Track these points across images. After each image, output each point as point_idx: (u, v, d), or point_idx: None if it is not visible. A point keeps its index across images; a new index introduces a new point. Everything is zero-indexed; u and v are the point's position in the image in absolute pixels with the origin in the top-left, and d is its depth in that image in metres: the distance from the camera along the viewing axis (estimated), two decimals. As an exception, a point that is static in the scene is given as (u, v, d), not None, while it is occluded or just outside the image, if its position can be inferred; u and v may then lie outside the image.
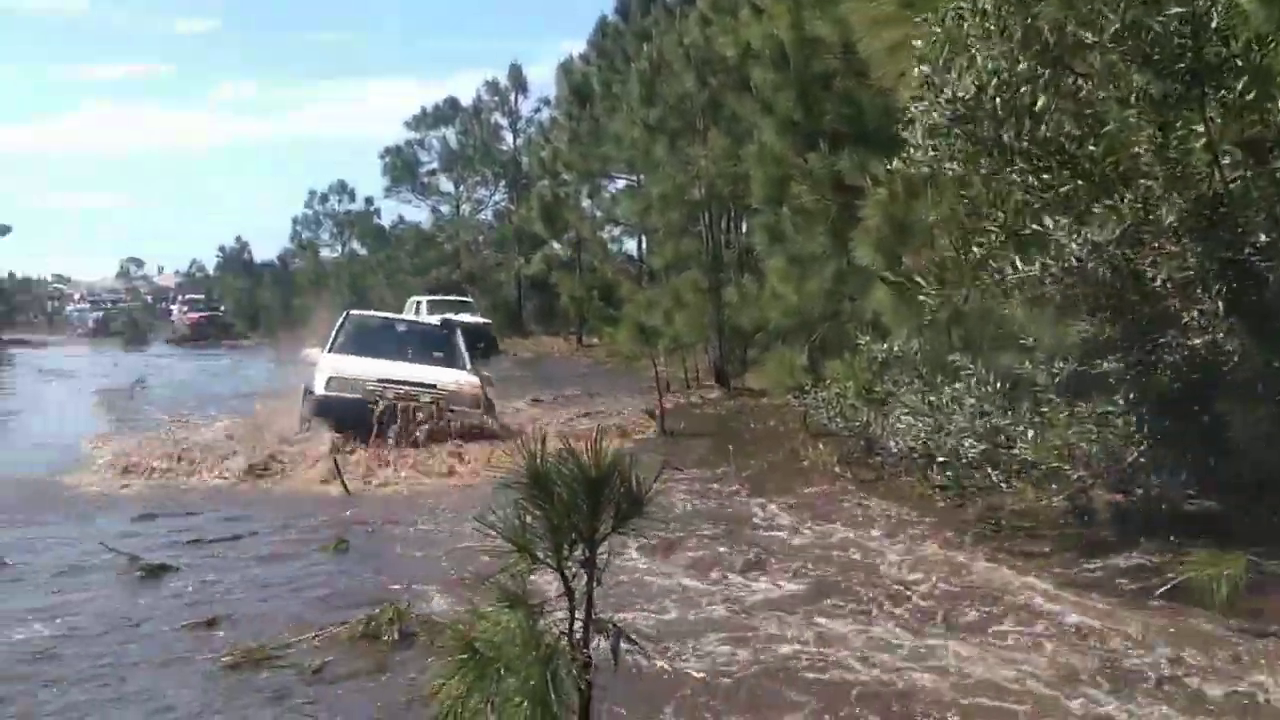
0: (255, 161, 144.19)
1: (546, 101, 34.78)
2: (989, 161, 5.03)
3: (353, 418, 10.27)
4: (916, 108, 5.40)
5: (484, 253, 37.30)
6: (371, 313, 15.32)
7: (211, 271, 66.91)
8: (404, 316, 17.34)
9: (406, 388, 10.85)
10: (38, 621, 5.07)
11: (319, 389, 10.74)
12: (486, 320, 26.42)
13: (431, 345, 12.60)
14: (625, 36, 23.35)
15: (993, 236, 5.19)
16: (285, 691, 4.22)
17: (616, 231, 27.09)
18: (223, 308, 46.68)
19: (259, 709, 4.08)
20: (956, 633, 4.89)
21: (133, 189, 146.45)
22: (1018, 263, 5.04)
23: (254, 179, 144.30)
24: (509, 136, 38.43)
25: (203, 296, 51.79)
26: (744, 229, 17.39)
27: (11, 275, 59.33)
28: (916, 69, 5.32)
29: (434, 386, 11.02)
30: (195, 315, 43.29)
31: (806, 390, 8.84)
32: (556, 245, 28.05)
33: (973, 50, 4.91)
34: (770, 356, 12.73)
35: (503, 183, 38.66)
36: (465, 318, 22.50)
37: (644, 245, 25.07)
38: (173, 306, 54.94)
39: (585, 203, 25.84)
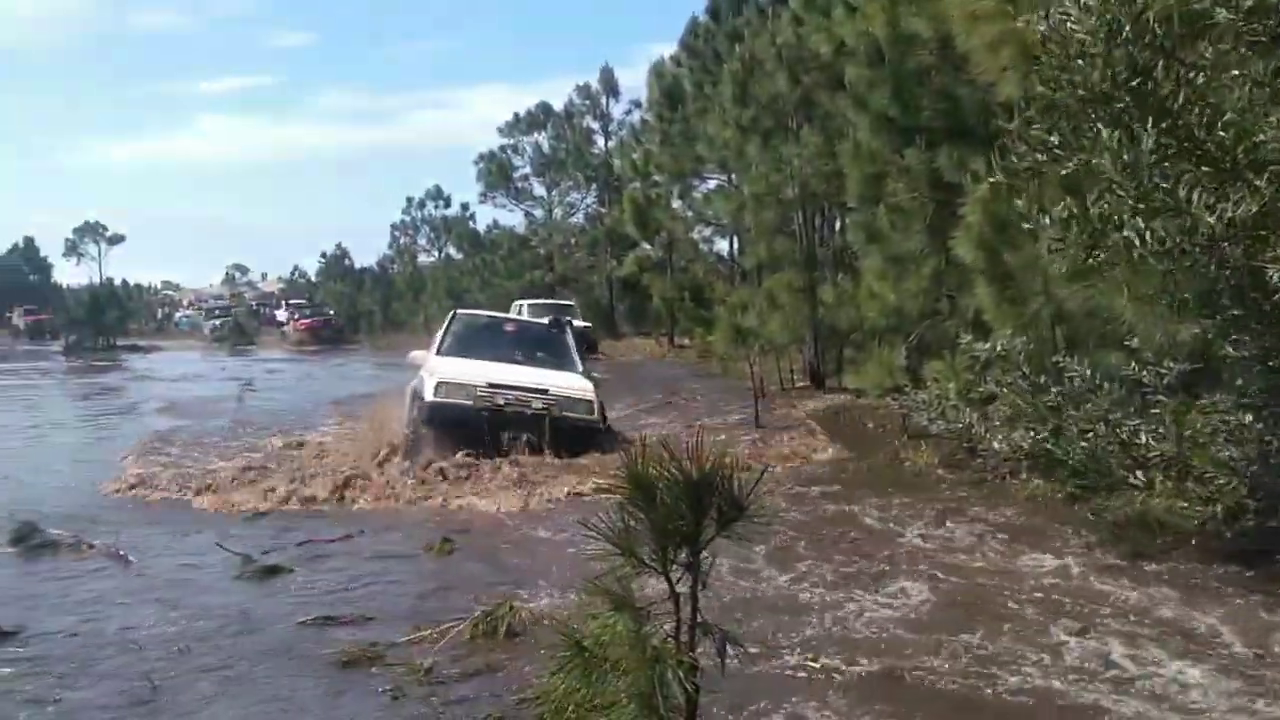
0: (355, 170, 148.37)
1: (637, 104, 35.04)
2: (1122, 150, 4.90)
3: (464, 424, 9.77)
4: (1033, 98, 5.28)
5: (576, 255, 37.64)
6: (479, 312, 14.93)
7: (313, 277, 68.93)
8: (512, 316, 16.74)
9: (518, 393, 10.24)
10: (163, 619, 5.29)
11: (428, 394, 10.10)
12: (587, 323, 26.50)
13: (542, 347, 11.91)
14: (716, 37, 23.30)
15: (1122, 199, 5.02)
16: (398, 688, 4.33)
17: (708, 232, 27.14)
18: (332, 311, 46.54)
19: (374, 704, 4.21)
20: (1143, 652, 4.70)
21: (238, 198, 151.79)
22: (1156, 226, 4.87)
23: (354, 187, 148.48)
24: (600, 140, 38.79)
25: (305, 300, 53.08)
26: (838, 227, 17.25)
27: (124, 283, 61.93)
28: (1039, 58, 5.19)
29: (546, 392, 10.36)
30: (307, 320, 43.19)
31: (906, 391, 8.72)
32: (648, 247, 28.15)
33: (1100, 41, 4.80)
34: (867, 357, 12.59)
35: (594, 186, 38.99)
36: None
37: (736, 245, 25.03)
38: (277, 312, 56.58)
39: (676, 204, 25.92)
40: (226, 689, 4.37)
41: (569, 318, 15.50)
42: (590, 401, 10.50)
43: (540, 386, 10.42)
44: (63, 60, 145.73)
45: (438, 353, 11.17)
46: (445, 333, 11.69)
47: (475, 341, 11.54)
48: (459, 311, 12.72)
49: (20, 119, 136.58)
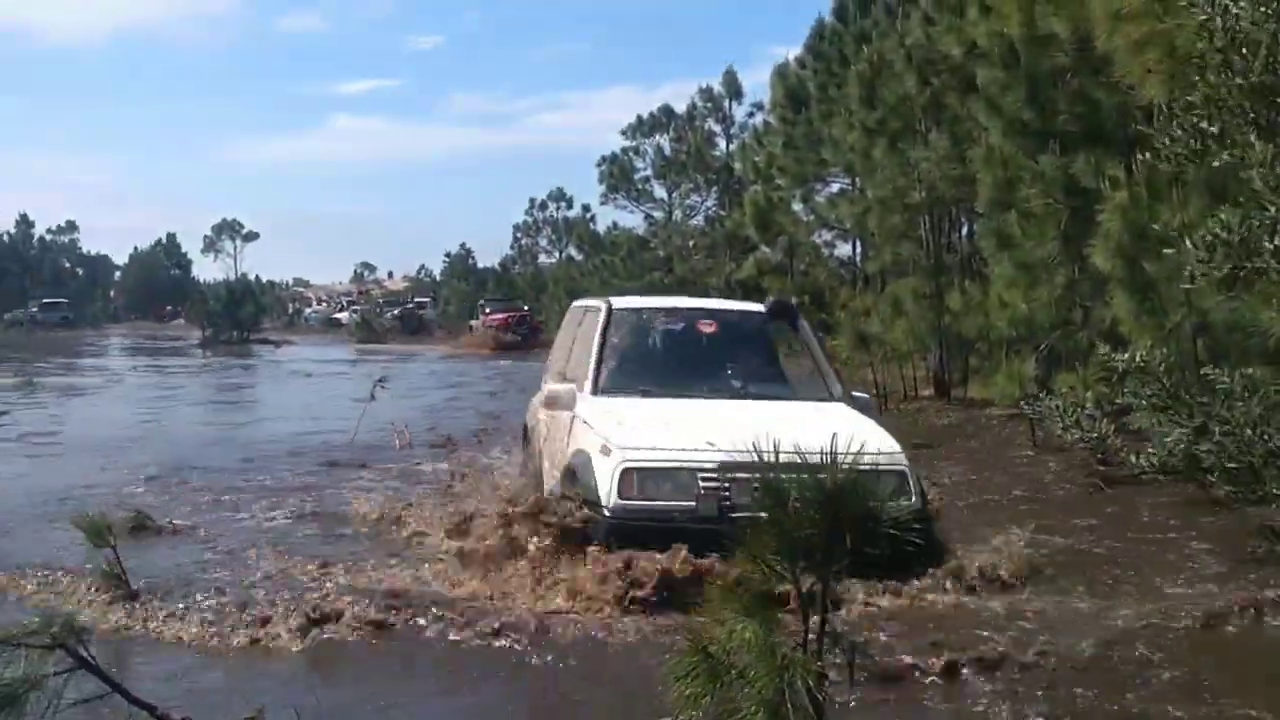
0: (480, 171, 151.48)
1: (760, 106, 34.86)
2: (1272, 146, 4.71)
3: (681, 539, 5.19)
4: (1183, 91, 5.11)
5: (695, 257, 37.65)
6: (645, 302, 8.23)
7: (438, 276, 70.64)
8: (692, 303, 9.11)
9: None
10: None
11: (607, 495, 5.56)
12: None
13: (759, 353, 7.45)
14: (842, 38, 23.00)
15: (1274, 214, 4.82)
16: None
17: (829, 236, 26.82)
18: (526, 307, 41.32)
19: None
20: None
21: (367, 197, 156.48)
22: None
23: (478, 188, 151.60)
24: (722, 142, 38.76)
25: (499, 296, 47.76)
26: (966, 233, 16.87)
27: (258, 279, 64.55)
28: (1205, 45, 5.00)
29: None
30: (501, 315, 38.82)
31: (1038, 398, 8.49)
32: (768, 250, 27.95)
33: (1270, 28, 4.63)
34: (995, 366, 12.31)
35: (715, 188, 38.94)
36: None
37: (859, 250, 24.70)
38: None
39: (798, 207, 25.68)
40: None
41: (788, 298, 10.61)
42: (904, 472, 5.71)
43: (810, 446, 3.37)
44: (208, 61, 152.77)
45: (596, 388, 6.51)
46: (601, 347, 6.74)
47: (652, 359, 7.05)
48: (616, 306, 7.16)
49: (164, 118, 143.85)
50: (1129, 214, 8.56)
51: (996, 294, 11.81)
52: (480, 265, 62.95)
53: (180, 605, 5.28)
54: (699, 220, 40.19)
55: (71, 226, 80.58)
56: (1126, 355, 6.85)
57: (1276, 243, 4.84)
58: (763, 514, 3.78)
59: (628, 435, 5.74)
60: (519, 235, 57.90)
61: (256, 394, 21.93)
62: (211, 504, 8.28)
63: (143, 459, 10.50)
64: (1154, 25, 6.72)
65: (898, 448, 5.95)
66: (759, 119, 35.01)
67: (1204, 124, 5.05)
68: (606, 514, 5.48)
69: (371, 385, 13.12)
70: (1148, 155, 6.73)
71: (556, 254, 54.78)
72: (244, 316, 44.70)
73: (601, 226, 48.05)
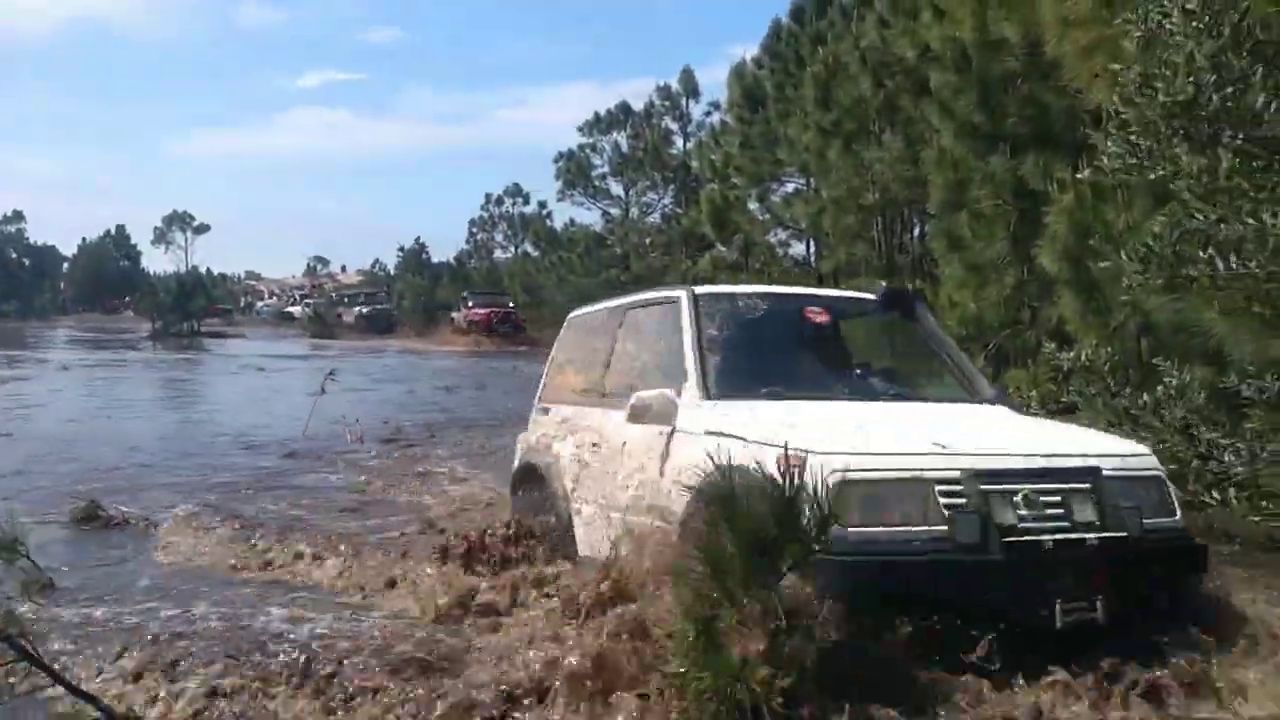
0: (436, 165, 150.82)
1: (717, 105, 35.05)
2: (1201, 159, 4.84)
3: (949, 599, 3.52)
4: (1120, 105, 5.23)
5: (651, 255, 37.75)
6: (729, 288, 6.27)
7: (392, 270, 70.08)
8: (785, 290, 7.15)
9: (1049, 490, 3.81)
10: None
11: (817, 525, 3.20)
12: None
13: (879, 348, 6.25)
14: (799, 40, 23.21)
15: (1204, 221, 4.94)
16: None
17: (785, 235, 27.04)
18: (511, 303, 39.56)
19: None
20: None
21: (321, 191, 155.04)
22: (1231, 259, 4.81)
23: (434, 183, 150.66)
24: (679, 140, 38.90)
25: (484, 290, 44.33)
26: (918, 234, 17.11)
27: (209, 271, 63.78)
28: (1128, 67, 5.13)
29: (1094, 477, 3.89)
30: (485, 310, 37.13)
31: (985, 400, 8.62)
32: (724, 248, 28.13)
33: (1188, 48, 4.74)
34: (944, 364, 12.48)
35: (672, 186, 39.07)
36: None
37: (813, 249, 24.92)
38: (345, 315, 53.43)
39: (754, 206, 25.85)
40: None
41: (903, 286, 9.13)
42: (1159, 477, 4.23)
43: (1080, 459, 4.00)
44: (162, 52, 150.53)
45: (709, 392, 4.76)
46: (697, 343, 5.01)
47: (763, 355, 5.38)
48: (702, 293, 5.43)
49: (115, 109, 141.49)
50: (1075, 216, 8.72)
51: (947, 294, 11.98)
52: (435, 260, 62.67)
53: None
54: (656, 218, 40.32)
55: (18, 216, 79.28)
56: (1072, 354, 7.01)
57: (1209, 253, 4.98)
58: (1047, 535, 3.57)
59: (825, 438, 3.86)
60: (474, 230, 57.74)
61: (207, 389, 21.58)
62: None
63: (83, 455, 10.34)
64: (1101, 31, 6.87)
65: (1140, 446, 4.49)
66: (716, 118, 35.21)
67: (1139, 141, 5.17)
68: (853, 557, 3.53)
69: (322, 379, 13.07)
70: (1094, 163, 6.89)
71: (512, 249, 54.66)
72: (195, 309, 44.14)
73: (558, 223, 48.08)
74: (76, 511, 7.12)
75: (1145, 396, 6.08)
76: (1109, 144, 5.43)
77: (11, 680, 3.82)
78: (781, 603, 3.09)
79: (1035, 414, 7.47)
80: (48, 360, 26.43)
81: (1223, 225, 4.92)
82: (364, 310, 46.83)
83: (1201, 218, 4.84)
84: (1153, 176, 5.22)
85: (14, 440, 11.24)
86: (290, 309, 57.42)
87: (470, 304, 39.16)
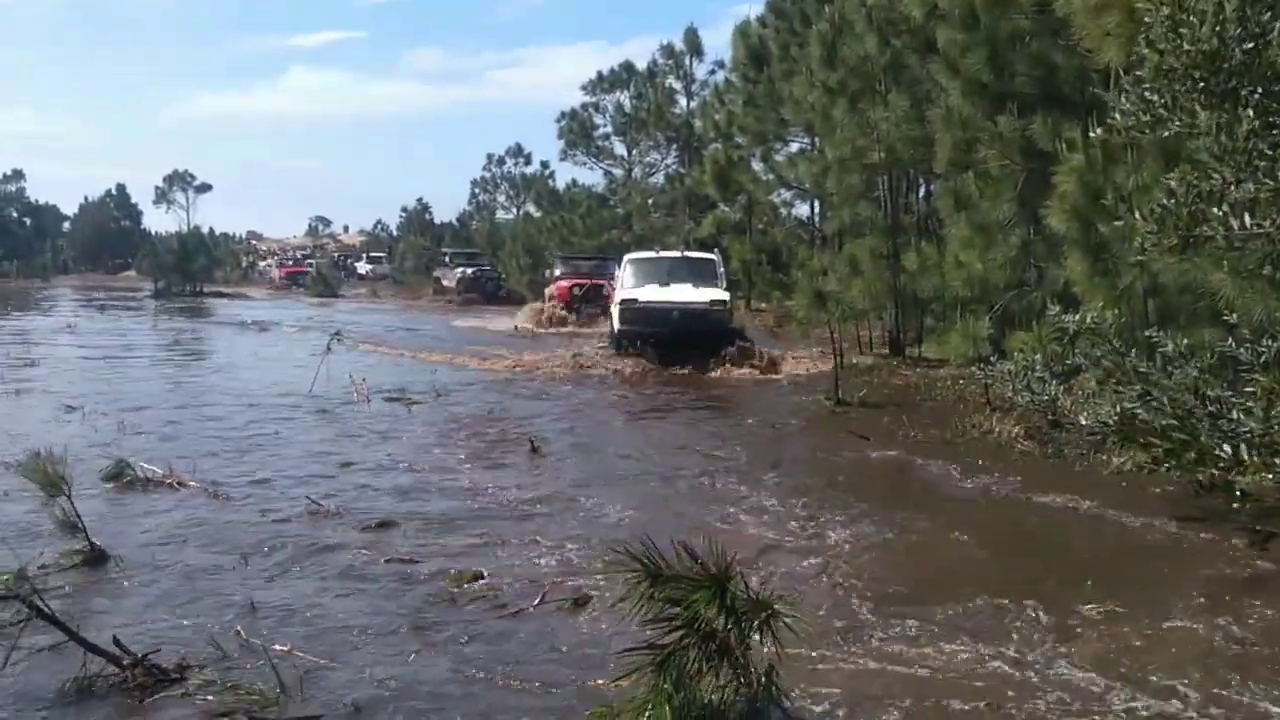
0: (439, 125, 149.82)
1: (721, 65, 34.69)
2: (1220, 115, 4.76)
3: None
4: (1145, 49, 5.12)
5: (654, 215, 37.56)
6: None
7: (394, 231, 69.92)
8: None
9: None
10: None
11: None
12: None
13: None
14: (804, -3, 22.92)
15: (1220, 183, 4.87)
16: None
17: (788, 195, 26.86)
18: (487, 264, 39.96)
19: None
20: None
21: (323, 151, 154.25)
22: (1246, 219, 4.75)
23: (437, 143, 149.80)
24: (682, 100, 38.55)
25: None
26: (924, 194, 16.99)
27: (211, 231, 63.55)
28: (1158, 6, 5.02)
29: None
30: (468, 271, 37.90)
31: (991, 362, 8.60)
32: (727, 209, 27.97)
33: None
34: (949, 326, 12.44)
35: (675, 146, 38.79)
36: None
37: (817, 210, 24.78)
38: (358, 264, 56.78)
39: (758, 166, 25.68)
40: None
41: None
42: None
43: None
44: (162, 11, 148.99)
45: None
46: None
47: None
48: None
49: (116, 69, 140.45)
50: (1084, 176, 8.67)
51: (952, 254, 11.92)
52: (438, 220, 62.47)
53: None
54: (659, 178, 40.10)
55: (18, 175, 78.85)
56: (1078, 316, 6.97)
57: (1223, 209, 4.92)
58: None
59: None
60: (476, 191, 57.55)
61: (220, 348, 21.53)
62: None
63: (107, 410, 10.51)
64: (1113, -12, 6.78)
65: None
66: (720, 77, 34.85)
67: (1154, 96, 5.08)
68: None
69: (328, 339, 13.11)
70: (1107, 120, 6.80)
71: (515, 210, 54.48)
72: (196, 269, 44.01)
73: (560, 183, 47.86)
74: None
75: (1155, 358, 6.05)
76: (1122, 100, 5.35)
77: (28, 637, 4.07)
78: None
79: (1040, 377, 7.50)
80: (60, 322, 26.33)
81: (1235, 186, 4.86)
82: (468, 272, 37.76)
83: (1218, 177, 4.77)
84: (1167, 134, 5.14)
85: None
86: (359, 267, 57.14)
87: (452, 266, 38.34)
